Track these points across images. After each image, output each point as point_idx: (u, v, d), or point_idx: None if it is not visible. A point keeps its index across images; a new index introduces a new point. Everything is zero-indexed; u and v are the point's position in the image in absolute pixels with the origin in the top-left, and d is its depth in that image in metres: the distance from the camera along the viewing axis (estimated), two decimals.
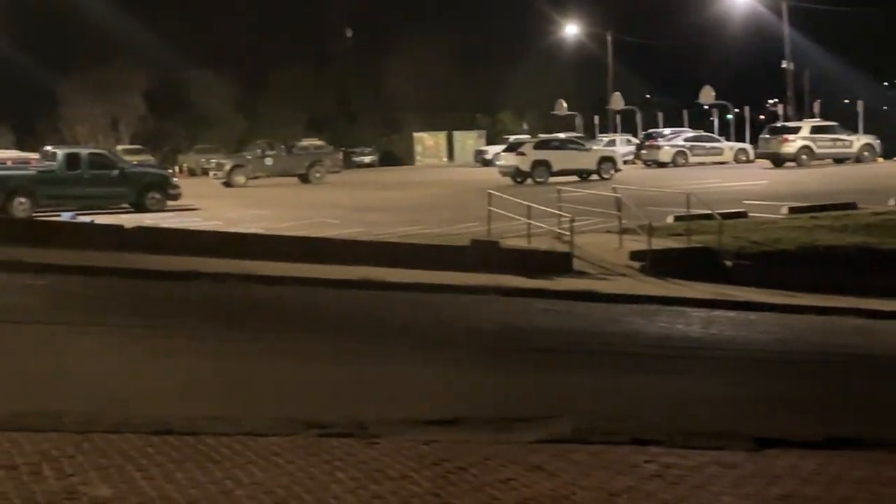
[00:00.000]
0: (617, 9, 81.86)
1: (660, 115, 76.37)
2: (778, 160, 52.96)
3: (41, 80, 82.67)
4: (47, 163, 37.22)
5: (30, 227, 23.76)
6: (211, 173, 56.49)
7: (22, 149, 62.32)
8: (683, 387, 10.69)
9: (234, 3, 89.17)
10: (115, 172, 36.72)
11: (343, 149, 74.13)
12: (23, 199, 34.66)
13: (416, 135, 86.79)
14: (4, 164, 41.91)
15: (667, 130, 65.21)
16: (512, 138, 60.50)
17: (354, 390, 9.00)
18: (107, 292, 15.45)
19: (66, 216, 30.58)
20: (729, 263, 21.51)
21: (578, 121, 79.38)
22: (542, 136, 56.88)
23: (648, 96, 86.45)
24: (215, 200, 41.24)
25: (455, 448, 6.66)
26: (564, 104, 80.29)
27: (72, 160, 36.56)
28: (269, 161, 53.35)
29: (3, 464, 5.74)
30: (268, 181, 51.58)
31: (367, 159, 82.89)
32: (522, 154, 47.99)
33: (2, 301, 14.36)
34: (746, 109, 74.61)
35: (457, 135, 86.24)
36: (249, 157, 54.52)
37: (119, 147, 70.78)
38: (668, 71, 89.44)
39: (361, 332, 13.24)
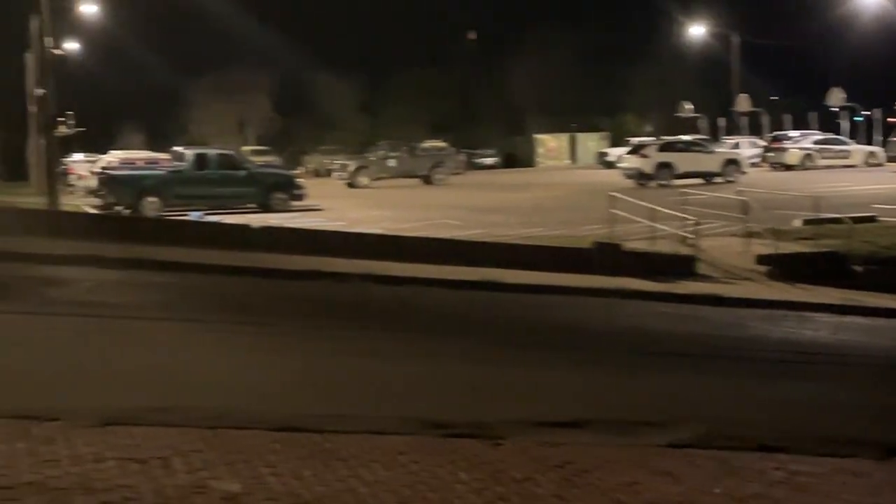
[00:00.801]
0: (743, 9, 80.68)
1: (787, 118, 75.01)
2: None
3: (171, 82, 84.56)
4: (177, 163, 37.96)
5: (159, 226, 24.29)
6: (335, 174, 57.08)
7: (152, 149, 63.75)
8: (811, 393, 10.47)
9: (359, 3, 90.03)
10: (242, 173, 37.26)
11: (465, 150, 74.28)
12: (153, 199, 35.36)
13: (538, 136, 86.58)
14: (135, 164, 42.89)
15: (794, 133, 64.00)
16: (635, 140, 59.99)
17: (478, 391, 9.00)
18: (233, 290, 15.73)
19: (194, 216, 31.15)
20: (858, 268, 21.01)
21: (702, 123, 78.32)
22: (666, 138, 56.25)
23: (774, 98, 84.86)
24: (339, 201, 41.64)
25: (579, 451, 6.62)
26: (688, 106, 79.32)
27: (201, 160, 37.22)
28: (392, 162, 53.71)
29: (133, 457, 5.86)
30: (391, 182, 51.93)
31: (488, 161, 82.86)
32: (646, 156, 47.53)
33: (132, 298, 14.72)
34: (876, 112, 72.85)
35: (579, 136, 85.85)
36: (373, 159, 54.94)
37: (245, 148, 71.92)
38: (795, 72, 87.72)
39: (484, 333, 13.25)
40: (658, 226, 23.46)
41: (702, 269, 20.79)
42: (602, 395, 9.26)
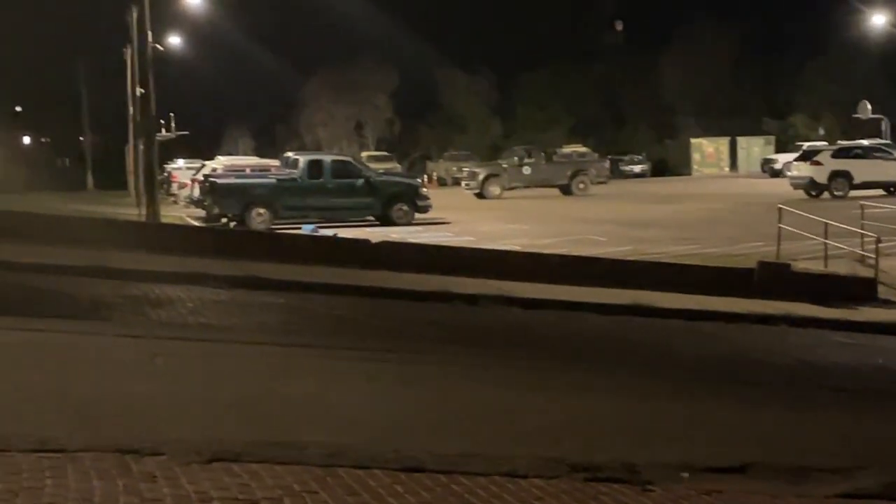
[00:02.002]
0: None
1: None
2: None
3: (282, 81, 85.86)
4: (288, 171, 38.41)
5: (268, 241, 24.63)
6: (463, 183, 57.31)
7: (261, 155, 64.82)
8: None
9: None
10: (360, 181, 37.53)
11: (610, 156, 74.06)
12: (261, 210, 35.88)
13: (693, 141, 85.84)
14: (243, 171, 43.56)
15: None
16: (806, 145, 59.13)
17: (625, 429, 8.93)
18: (351, 313, 15.86)
19: (306, 229, 31.52)
20: None
21: (885, 125, 76.79)
22: (842, 142, 55.31)
23: None
24: (467, 213, 41.82)
25: (742, 499, 6.53)
26: (869, 106, 77.80)
27: (314, 168, 37.56)
28: (527, 170, 53.79)
29: (243, 498, 5.94)
30: (525, 192, 52.00)
31: (637, 168, 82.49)
32: (818, 163, 46.81)
33: (239, 320, 14.96)
34: None
35: (741, 141, 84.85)
36: (505, 166, 55.09)
37: (364, 154, 72.72)
38: None
39: (631, 363, 13.16)
40: (833, 243, 23.09)
41: (884, 293, 20.38)
42: (769, 435, 9.11)
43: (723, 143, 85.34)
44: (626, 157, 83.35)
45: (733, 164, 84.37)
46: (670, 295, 18.51)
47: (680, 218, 37.37)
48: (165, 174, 54.94)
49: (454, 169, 72.62)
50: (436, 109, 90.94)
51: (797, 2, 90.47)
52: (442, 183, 74.15)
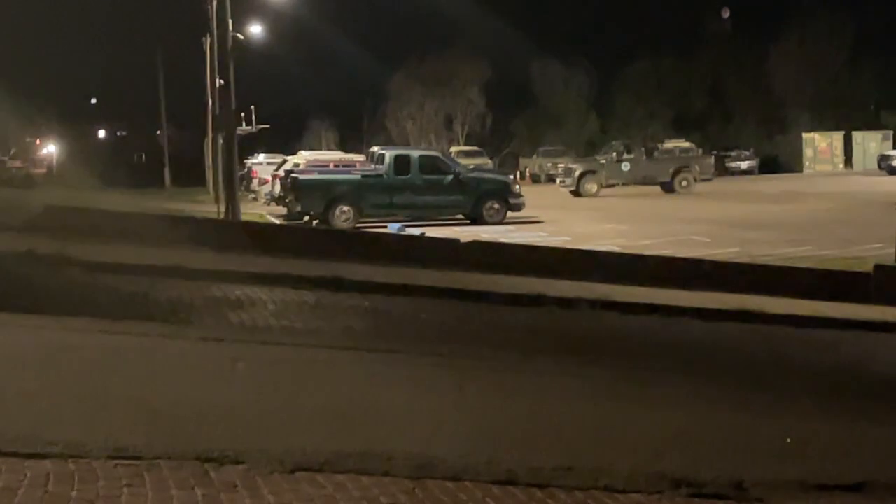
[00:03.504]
0: None
1: None
2: None
3: (368, 72, 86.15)
4: (374, 166, 38.55)
5: (353, 240, 24.75)
6: (557, 180, 57.27)
7: (345, 150, 65.14)
8: None
9: None
10: (450, 178, 37.58)
11: (716, 152, 73.49)
12: (346, 208, 36.06)
13: (805, 136, 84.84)
14: (326, 166, 43.81)
15: None
16: None
17: (732, 443, 8.88)
18: (440, 317, 15.89)
19: (392, 228, 31.63)
20: None
21: None
22: None
23: None
24: (562, 212, 41.76)
25: None
26: None
27: (401, 163, 37.66)
28: (625, 166, 53.62)
29: None
30: (624, 190, 51.84)
31: (744, 165, 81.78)
32: None
33: (323, 323, 15.04)
34: None
35: (856, 136, 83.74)
36: (603, 162, 54.96)
37: (453, 149, 72.82)
38: None
39: (739, 373, 13.05)
40: None
41: None
42: (885, 452, 9.01)
43: (837, 137, 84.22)
44: (733, 153, 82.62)
45: (848, 160, 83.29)
46: (779, 300, 18.33)
47: (791, 218, 37.03)
48: (245, 170, 55.35)
49: (548, 165, 72.54)
50: (530, 103, 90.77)
51: None
52: (535, 180, 74.07)
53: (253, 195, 52.43)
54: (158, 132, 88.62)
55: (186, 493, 6.19)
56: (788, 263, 23.27)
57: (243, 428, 8.08)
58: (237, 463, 6.76)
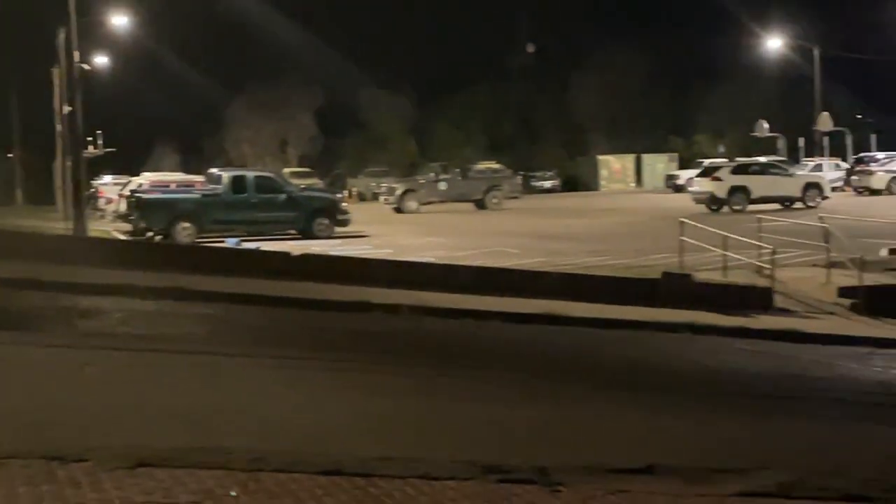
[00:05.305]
0: (826, 21, 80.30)
1: (873, 138, 74.42)
2: None
3: (207, 99, 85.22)
4: (212, 186, 38.17)
5: (193, 254, 24.45)
6: (381, 198, 57.37)
7: (186, 171, 64.30)
8: None
9: (408, 17, 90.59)
10: (283, 197, 37.38)
11: (522, 172, 74.33)
12: (187, 224, 35.58)
13: (601, 157, 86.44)
14: (168, 186, 43.23)
15: (881, 154, 63.48)
16: (707, 162, 59.83)
17: (536, 433, 8.97)
18: (274, 323, 15.78)
19: (230, 242, 31.31)
20: None
21: (781, 143, 77.82)
22: (741, 159, 55.97)
23: (860, 117, 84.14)
24: (386, 227, 41.79)
25: (645, 499, 6.58)
26: (766, 125, 78.78)
27: (238, 183, 37.34)
28: (443, 185, 53.85)
29: (163, 502, 5.90)
30: (442, 207, 52.05)
31: (547, 184, 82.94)
32: (718, 179, 47.33)
33: (166, 330, 14.82)
34: None
35: (646, 158, 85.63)
36: (422, 182, 55.13)
37: (287, 170, 72.38)
38: (882, 89, 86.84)
39: (543, 370, 13.20)
40: (732, 255, 23.32)
41: (780, 302, 20.63)
42: (673, 438, 9.19)
43: (629, 159, 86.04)
44: (538, 174, 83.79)
45: (639, 180, 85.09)
46: (580, 304, 18.57)
47: (589, 231, 37.60)
48: (92, 190, 54.40)
49: (374, 185, 72.49)
50: (358, 128, 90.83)
51: (699, 27, 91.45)
52: (362, 198, 73.95)
53: (100, 213, 51.44)
54: (10, 154, 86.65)
55: (33, 489, 6.04)
56: (589, 271, 23.57)
57: (90, 428, 7.91)
58: (82, 460, 6.61)
